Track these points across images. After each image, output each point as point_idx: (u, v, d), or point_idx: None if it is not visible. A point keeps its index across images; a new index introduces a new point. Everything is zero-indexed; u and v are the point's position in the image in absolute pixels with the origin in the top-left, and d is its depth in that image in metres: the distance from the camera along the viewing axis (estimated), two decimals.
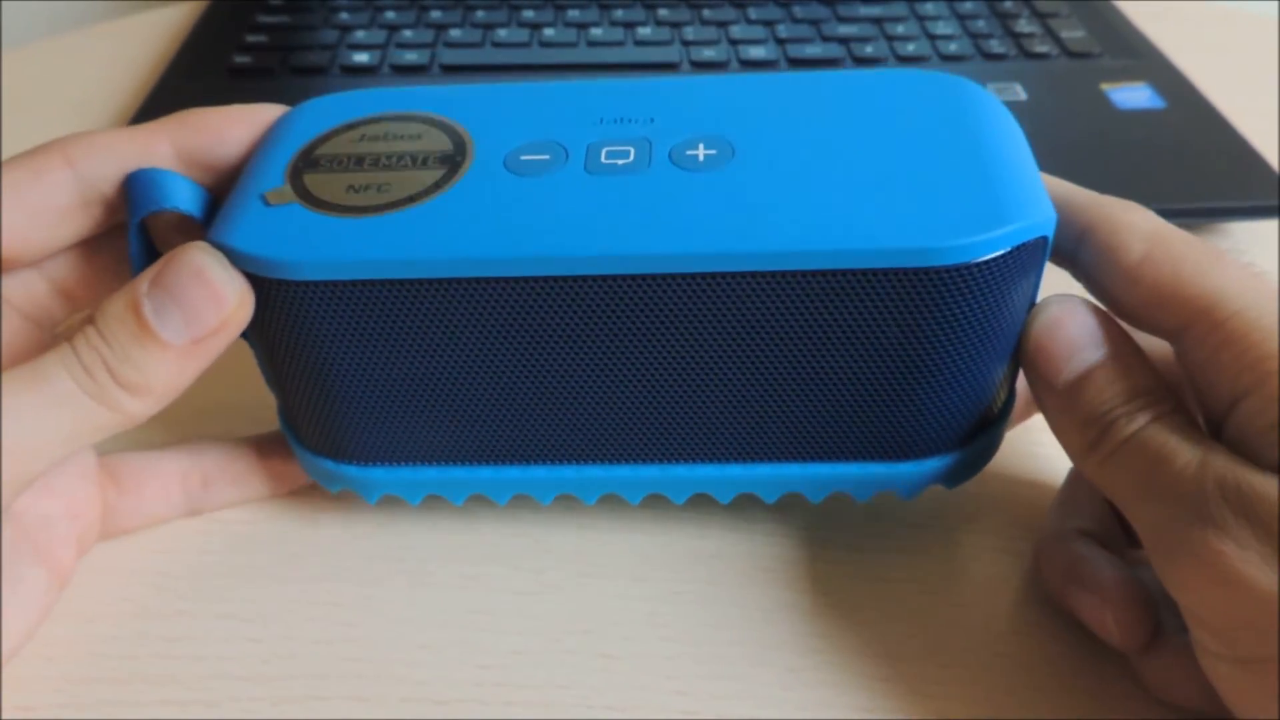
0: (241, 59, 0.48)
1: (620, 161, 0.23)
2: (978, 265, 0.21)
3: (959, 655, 0.25)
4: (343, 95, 0.26)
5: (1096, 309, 0.23)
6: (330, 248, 0.22)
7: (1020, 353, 0.23)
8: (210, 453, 0.28)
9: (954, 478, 0.25)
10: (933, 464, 0.25)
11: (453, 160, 0.23)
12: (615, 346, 0.23)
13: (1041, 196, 0.22)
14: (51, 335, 0.27)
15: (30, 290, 0.25)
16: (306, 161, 0.24)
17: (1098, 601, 0.23)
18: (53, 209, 0.24)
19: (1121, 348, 0.22)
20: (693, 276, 0.21)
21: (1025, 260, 0.22)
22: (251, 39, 0.50)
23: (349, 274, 0.22)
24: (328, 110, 0.25)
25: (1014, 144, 0.23)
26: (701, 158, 0.23)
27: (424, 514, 0.28)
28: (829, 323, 0.22)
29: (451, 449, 0.25)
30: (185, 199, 0.24)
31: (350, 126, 0.25)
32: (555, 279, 0.22)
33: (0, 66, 0.51)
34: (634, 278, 0.21)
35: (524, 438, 0.25)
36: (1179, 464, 0.20)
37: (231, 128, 0.25)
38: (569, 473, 0.26)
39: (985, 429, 0.25)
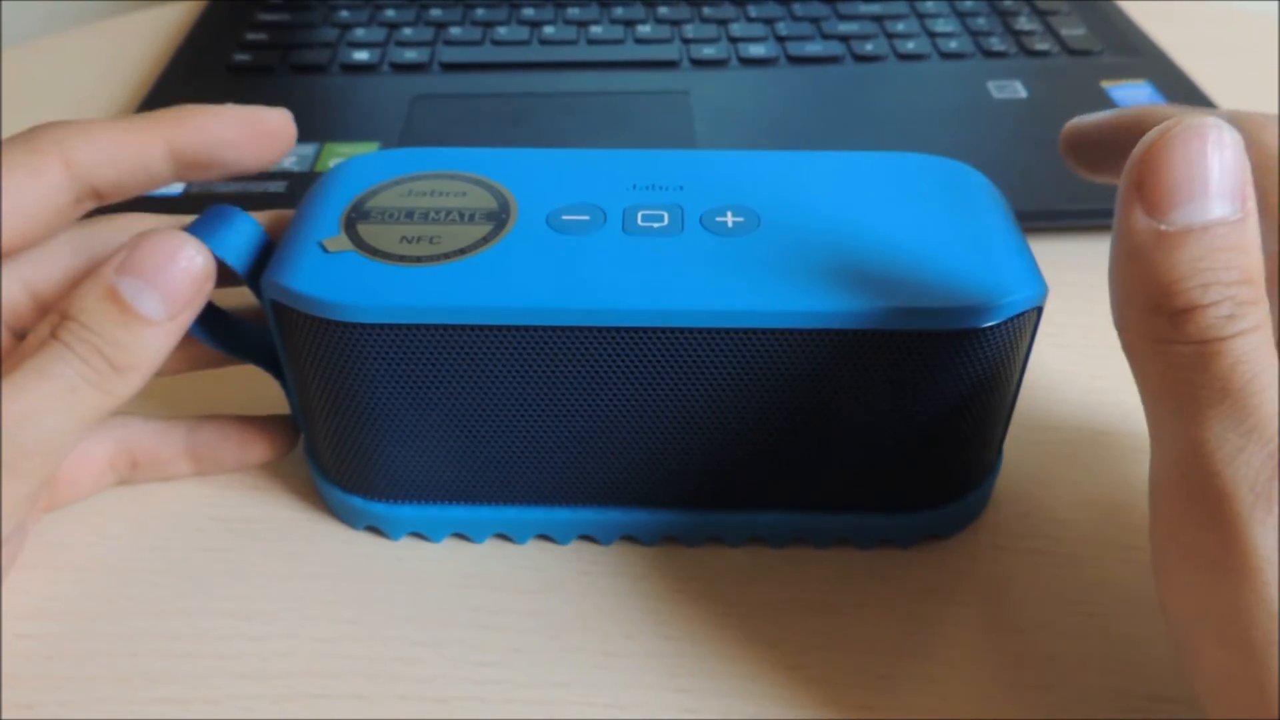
0: (241, 57, 0.48)
1: (655, 225, 0.24)
2: (983, 330, 0.23)
3: (959, 653, 0.25)
4: (382, 153, 0.27)
5: (1248, 156, 0.18)
6: (390, 293, 0.23)
7: (1129, 163, 0.18)
8: (136, 432, 0.28)
9: (947, 529, 0.27)
10: (928, 516, 0.27)
11: (498, 217, 0.25)
12: (644, 396, 0.24)
13: (1035, 273, 0.24)
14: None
15: (10, 295, 0.25)
16: (359, 213, 0.25)
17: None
18: (51, 209, 0.24)
19: (1257, 215, 0.18)
20: (725, 331, 0.23)
21: (1022, 328, 0.24)
22: (251, 37, 0.50)
23: (405, 318, 0.23)
24: (369, 167, 0.27)
25: (1006, 222, 0.25)
26: (730, 224, 0.24)
27: None
28: (844, 379, 0.23)
29: (479, 489, 0.26)
30: (236, 253, 0.24)
31: (397, 182, 0.26)
32: (595, 329, 0.23)
33: (0, 64, 0.51)
34: (668, 331, 0.23)
35: (550, 480, 0.26)
36: (1263, 414, 0.16)
37: (227, 131, 0.25)
38: (590, 515, 0.27)
39: (976, 485, 0.27)
